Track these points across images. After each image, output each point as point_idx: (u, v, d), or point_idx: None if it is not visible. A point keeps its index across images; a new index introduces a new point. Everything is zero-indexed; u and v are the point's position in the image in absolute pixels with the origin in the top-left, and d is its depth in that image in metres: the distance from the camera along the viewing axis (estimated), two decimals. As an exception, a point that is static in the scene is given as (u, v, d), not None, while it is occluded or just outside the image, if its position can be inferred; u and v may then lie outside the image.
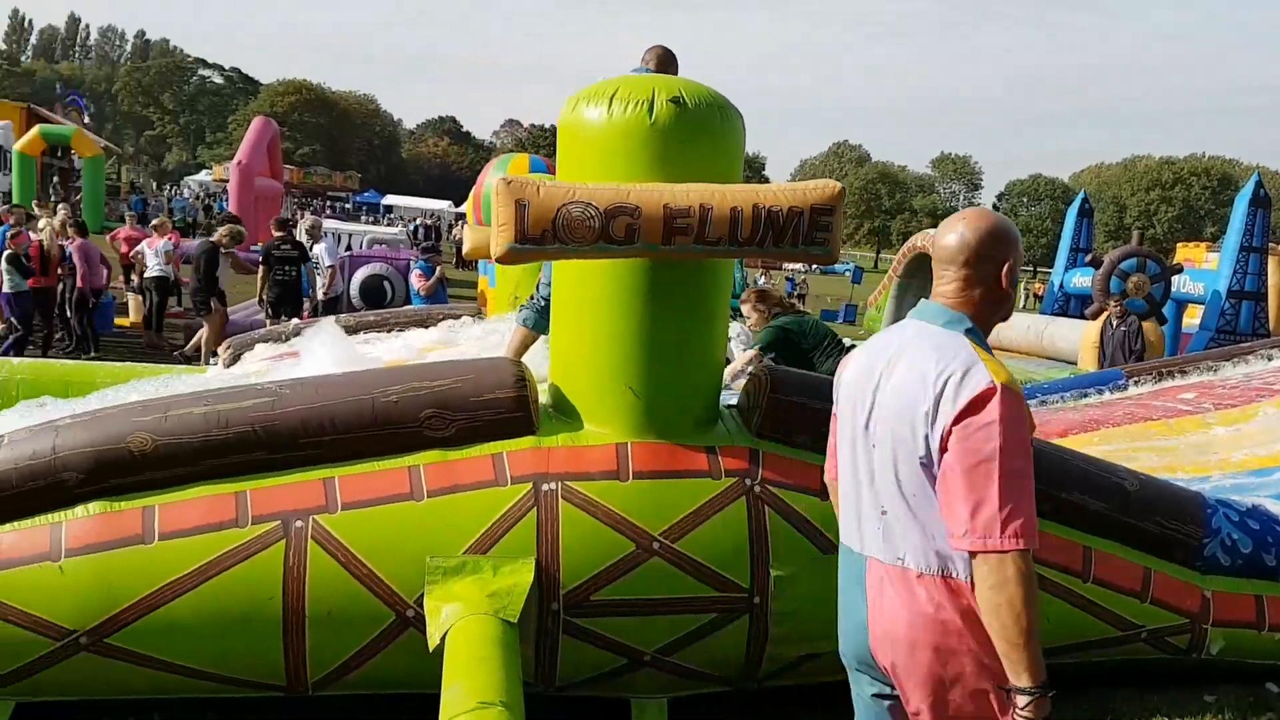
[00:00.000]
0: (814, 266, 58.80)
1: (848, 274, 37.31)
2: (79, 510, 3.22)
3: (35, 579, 3.12)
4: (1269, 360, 7.42)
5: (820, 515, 3.45)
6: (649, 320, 3.42)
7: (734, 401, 3.87)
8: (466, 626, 3.04)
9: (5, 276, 9.88)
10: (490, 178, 9.05)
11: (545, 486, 3.36)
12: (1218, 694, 3.79)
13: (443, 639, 3.07)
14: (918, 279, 21.13)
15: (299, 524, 3.25)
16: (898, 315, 20.46)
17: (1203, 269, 20.24)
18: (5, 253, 9.93)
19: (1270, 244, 17.84)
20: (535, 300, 5.03)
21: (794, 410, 3.58)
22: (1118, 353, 11.04)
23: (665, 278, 3.40)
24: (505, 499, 3.34)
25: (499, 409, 3.47)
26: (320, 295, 11.62)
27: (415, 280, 11.40)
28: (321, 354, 3.94)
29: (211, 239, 10.59)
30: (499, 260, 3.28)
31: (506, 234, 3.16)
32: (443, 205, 60.69)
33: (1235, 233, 16.83)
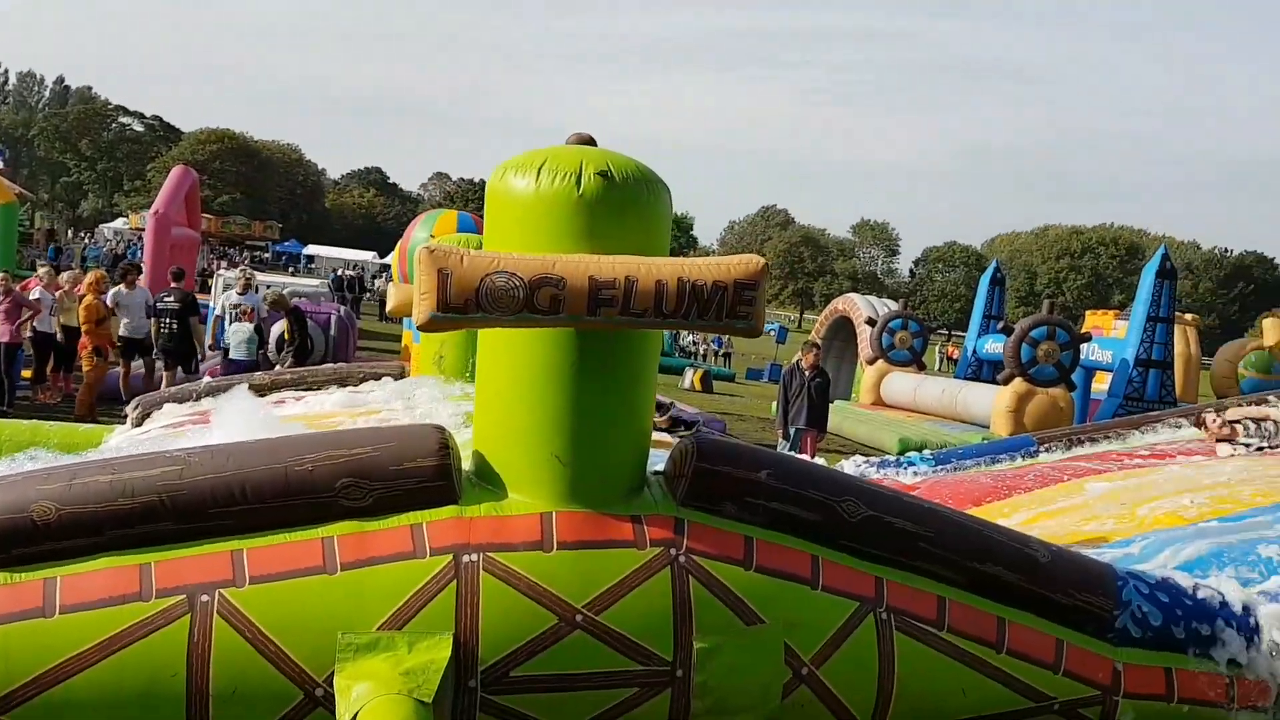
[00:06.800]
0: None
1: (772, 333, 37.87)
2: (-27, 582, 3.06)
3: (-81, 657, 2.93)
4: (1177, 429, 7.65)
5: (745, 587, 3.44)
6: (574, 388, 3.41)
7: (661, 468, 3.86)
8: (378, 707, 2.95)
9: None
10: (417, 233, 8.97)
11: (466, 558, 3.29)
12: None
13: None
14: (838, 341, 21.64)
15: (204, 598, 3.13)
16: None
17: (1111, 337, 21.03)
18: None
19: (1176, 314, 18.62)
20: None
21: (719, 479, 3.58)
22: None
23: (591, 346, 3.40)
24: (424, 571, 3.26)
25: (419, 478, 3.39)
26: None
27: None
28: (235, 420, 3.84)
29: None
30: (421, 328, 3.25)
31: (428, 303, 3.14)
32: (367, 256, 59.96)
33: (1142, 304, 17.61)
